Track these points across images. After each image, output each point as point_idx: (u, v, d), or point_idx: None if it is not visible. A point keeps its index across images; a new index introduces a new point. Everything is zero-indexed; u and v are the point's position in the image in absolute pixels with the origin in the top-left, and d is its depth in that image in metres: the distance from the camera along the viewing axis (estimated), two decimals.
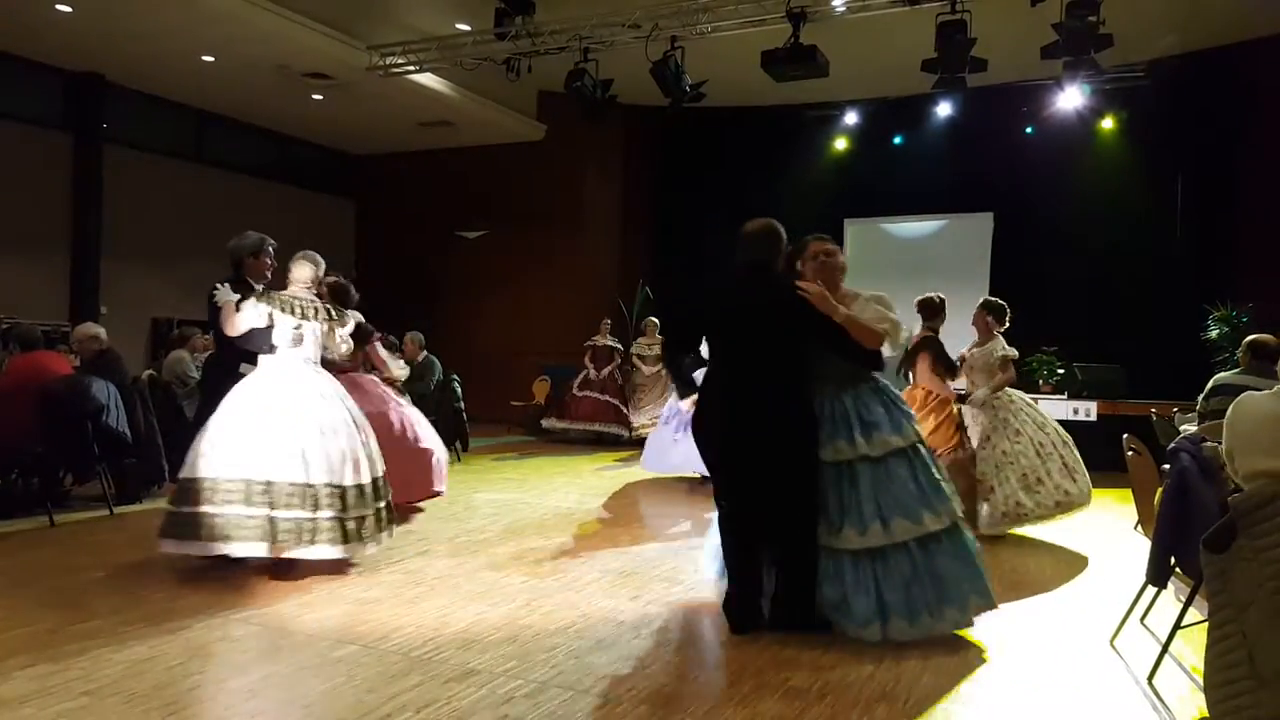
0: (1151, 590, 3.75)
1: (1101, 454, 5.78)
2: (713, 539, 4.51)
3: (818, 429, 3.78)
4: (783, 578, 3.77)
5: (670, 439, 8.34)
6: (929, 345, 5.92)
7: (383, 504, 4.69)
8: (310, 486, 4.33)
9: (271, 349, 4.64)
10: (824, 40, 8.57)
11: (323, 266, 4.94)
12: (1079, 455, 5.92)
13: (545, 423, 11.30)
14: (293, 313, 4.62)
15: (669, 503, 7.21)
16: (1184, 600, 3.31)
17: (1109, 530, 6.16)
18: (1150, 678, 3.32)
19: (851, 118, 12.47)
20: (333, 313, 4.83)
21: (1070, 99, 10.45)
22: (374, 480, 4.64)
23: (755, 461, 3.73)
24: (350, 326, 5.07)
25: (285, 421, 4.39)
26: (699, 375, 4.13)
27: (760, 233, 3.93)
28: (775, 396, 3.73)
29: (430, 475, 6.17)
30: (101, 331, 6.65)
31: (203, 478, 4.28)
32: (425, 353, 9.38)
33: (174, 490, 4.49)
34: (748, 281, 3.92)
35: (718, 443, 3.91)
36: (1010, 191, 11.62)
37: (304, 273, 4.79)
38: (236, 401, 4.48)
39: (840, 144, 12.74)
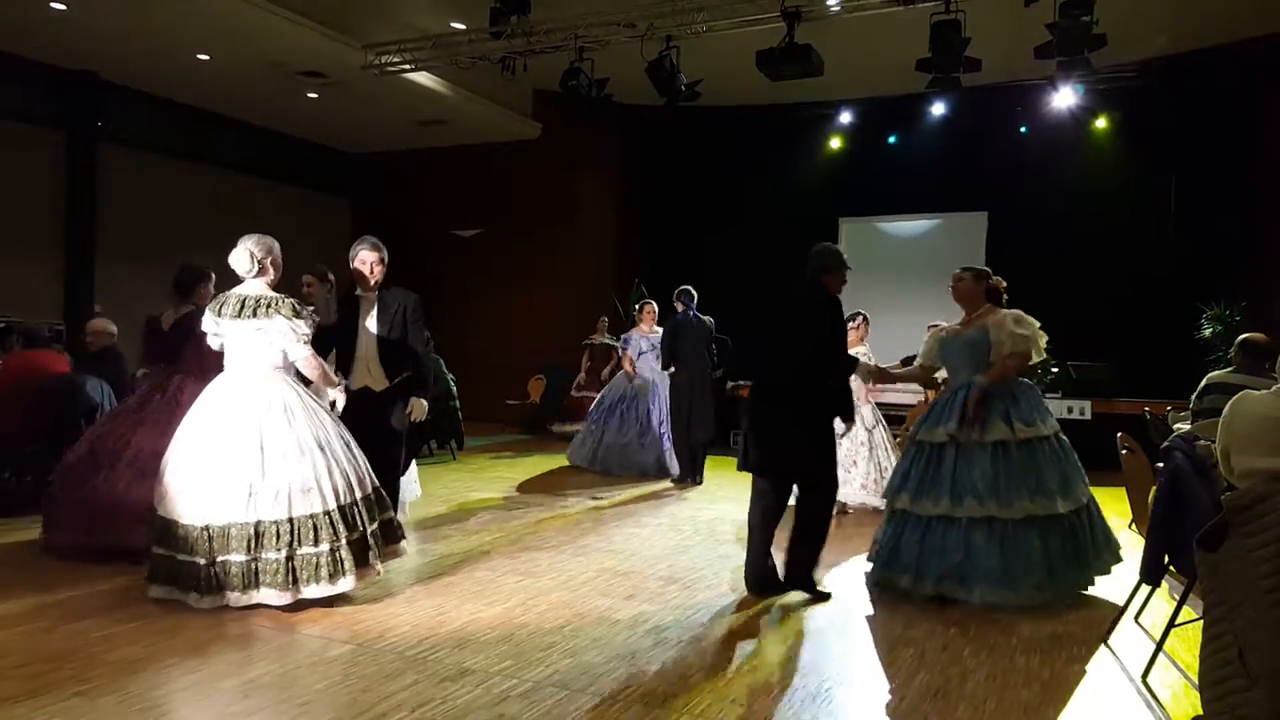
0: (1146, 588, 3.76)
1: (1096, 453, 5.79)
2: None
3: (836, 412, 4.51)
4: (808, 541, 4.47)
5: (588, 430, 8.75)
6: None
7: (345, 536, 3.95)
8: (249, 525, 3.82)
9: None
10: (819, 40, 8.57)
11: (260, 249, 4.12)
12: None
13: (555, 428, 11.25)
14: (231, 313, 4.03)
15: (663, 502, 7.21)
16: (1178, 598, 3.32)
17: None
18: (1144, 676, 3.33)
19: (846, 117, 12.46)
20: (296, 308, 4.11)
21: (1064, 98, 10.48)
22: (338, 508, 3.96)
23: (792, 438, 4.38)
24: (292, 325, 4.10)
25: (232, 450, 3.88)
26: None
27: (814, 252, 4.56)
28: (808, 385, 4.37)
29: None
30: (114, 327, 6.66)
31: (173, 520, 3.88)
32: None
33: (151, 530, 4.02)
34: (795, 291, 4.58)
35: (762, 423, 4.49)
36: (1004, 191, 11.64)
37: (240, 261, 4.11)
38: (190, 427, 4.02)
39: (835, 143, 12.73)
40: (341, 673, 3.23)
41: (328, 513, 3.93)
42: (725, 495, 7.55)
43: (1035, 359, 4.57)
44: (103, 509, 4.64)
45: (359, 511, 4.07)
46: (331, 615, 3.88)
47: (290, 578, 3.84)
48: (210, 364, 4.33)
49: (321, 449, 4.00)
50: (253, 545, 3.82)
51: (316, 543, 3.88)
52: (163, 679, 3.13)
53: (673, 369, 8.19)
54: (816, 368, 4.40)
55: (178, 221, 11.78)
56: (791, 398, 4.42)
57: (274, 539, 3.83)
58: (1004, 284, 4.78)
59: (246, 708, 2.91)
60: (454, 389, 9.44)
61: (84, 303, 10.74)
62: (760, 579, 4.47)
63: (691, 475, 8.12)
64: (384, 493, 4.31)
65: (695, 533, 5.95)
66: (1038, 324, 4.52)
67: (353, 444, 4.21)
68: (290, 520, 3.86)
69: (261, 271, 4.14)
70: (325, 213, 14.54)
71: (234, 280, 4.19)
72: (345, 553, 3.93)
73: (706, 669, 3.38)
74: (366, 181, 14.96)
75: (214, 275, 5.32)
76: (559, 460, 9.43)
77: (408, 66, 10.45)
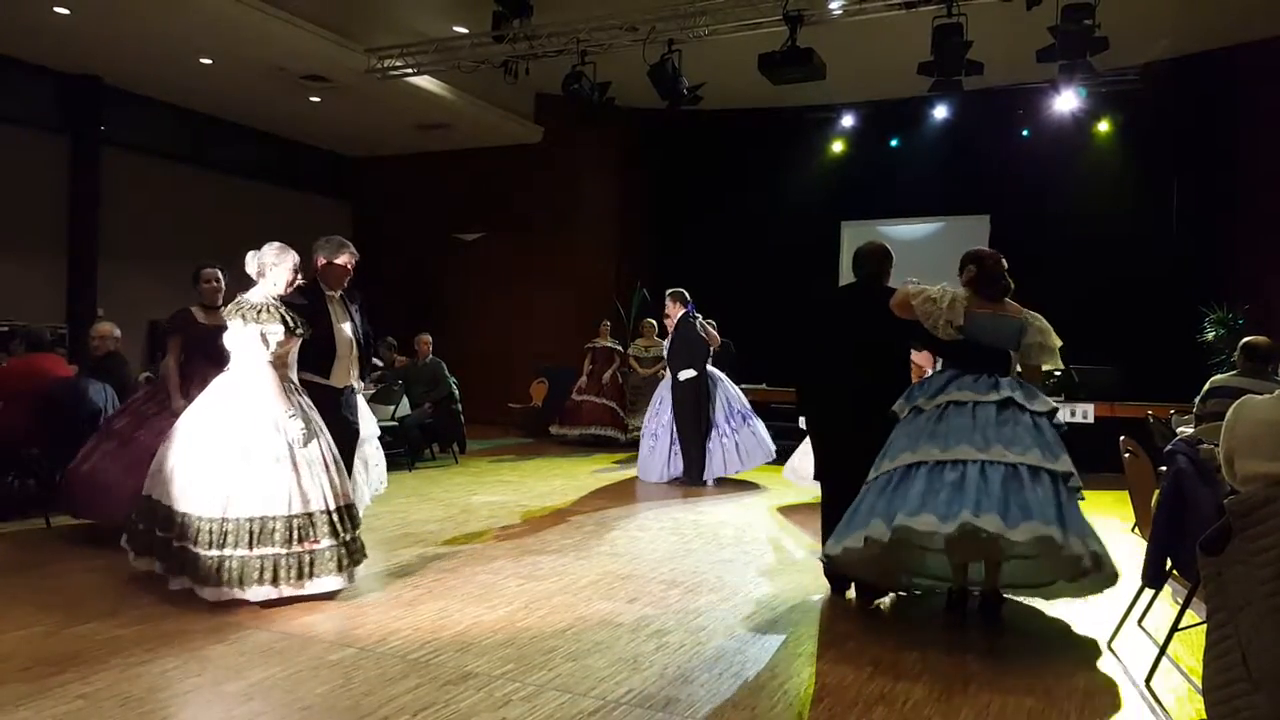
0: (1149, 592, 3.76)
1: (1099, 456, 5.78)
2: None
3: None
4: None
5: (648, 449, 8.40)
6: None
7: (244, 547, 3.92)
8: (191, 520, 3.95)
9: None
10: (821, 43, 8.58)
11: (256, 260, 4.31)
12: None
13: (554, 429, 11.24)
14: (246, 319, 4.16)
15: (666, 505, 7.20)
16: (1182, 602, 3.31)
17: (1106, 532, 6.13)
18: (1148, 680, 3.33)
19: (848, 120, 12.49)
20: (260, 313, 4.18)
21: (1066, 102, 10.48)
22: (245, 519, 3.93)
23: (860, 434, 4.26)
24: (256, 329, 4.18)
25: (181, 440, 4.10)
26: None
27: (872, 252, 4.62)
28: (879, 382, 4.35)
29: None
30: (119, 331, 6.70)
31: (173, 508, 4.02)
32: (431, 355, 9.48)
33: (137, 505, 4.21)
34: (863, 292, 4.59)
35: (831, 422, 4.55)
36: (1006, 194, 11.65)
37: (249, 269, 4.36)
38: (197, 420, 4.16)
39: (837, 146, 12.76)
40: (344, 676, 3.23)
41: (228, 518, 3.93)
42: (727, 498, 7.55)
43: (928, 320, 4.16)
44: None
45: (272, 528, 3.95)
46: (333, 619, 3.88)
47: (212, 574, 3.90)
48: (190, 358, 4.98)
49: (246, 455, 3.99)
50: (182, 533, 3.99)
51: (210, 546, 3.90)
52: (165, 682, 3.14)
53: (672, 372, 8.16)
54: (899, 366, 4.52)
55: (180, 225, 11.81)
56: (876, 399, 4.30)
57: (204, 533, 3.93)
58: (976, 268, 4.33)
59: (249, 711, 2.91)
60: (456, 392, 9.45)
61: (86, 306, 10.76)
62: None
63: (698, 477, 8.11)
64: (321, 522, 4.08)
65: (697, 536, 5.95)
66: (936, 297, 4.16)
67: (303, 461, 4.09)
68: (199, 517, 3.93)
69: (261, 279, 4.31)
70: (327, 217, 14.55)
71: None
72: (235, 563, 3.88)
73: (709, 673, 3.38)
74: (369, 186, 14.99)
75: (214, 270, 5.53)
76: (560, 463, 9.42)
77: (410, 70, 10.47)
